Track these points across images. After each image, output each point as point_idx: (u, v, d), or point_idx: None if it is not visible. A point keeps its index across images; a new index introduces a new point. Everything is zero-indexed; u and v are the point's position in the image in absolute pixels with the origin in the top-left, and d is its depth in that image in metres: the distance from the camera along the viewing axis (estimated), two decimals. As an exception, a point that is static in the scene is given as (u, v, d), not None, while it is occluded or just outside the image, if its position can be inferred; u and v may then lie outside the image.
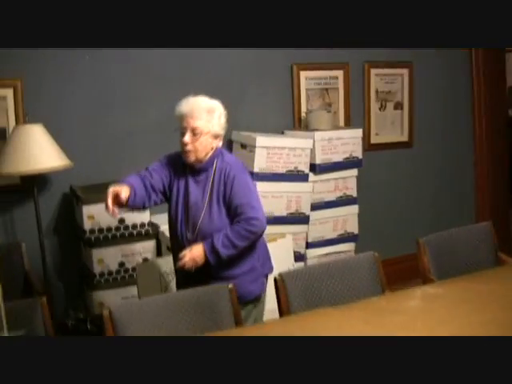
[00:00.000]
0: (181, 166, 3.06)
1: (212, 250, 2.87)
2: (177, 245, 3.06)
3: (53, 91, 4.22)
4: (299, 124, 4.96)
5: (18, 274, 4.00)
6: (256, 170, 4.37)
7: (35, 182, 3.96)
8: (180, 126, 2.96)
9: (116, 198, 2.84)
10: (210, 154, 3.00)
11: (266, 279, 3.18)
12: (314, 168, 4.57)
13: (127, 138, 4.40)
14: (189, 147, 2.93)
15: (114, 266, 4.12)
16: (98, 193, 3.70)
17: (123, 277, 4.16)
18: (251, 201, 2.95)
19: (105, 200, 2.83)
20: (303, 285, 2.82)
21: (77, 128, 4.29)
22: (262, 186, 4.36)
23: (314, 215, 4.63)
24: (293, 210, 4.48)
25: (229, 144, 4.73)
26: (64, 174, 4.05)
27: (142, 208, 3.10)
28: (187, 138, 2.93)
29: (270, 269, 3.23)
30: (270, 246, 4.01)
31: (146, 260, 4.16)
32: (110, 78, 4.40)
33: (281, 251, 4.11)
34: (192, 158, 2.96)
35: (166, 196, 3.10)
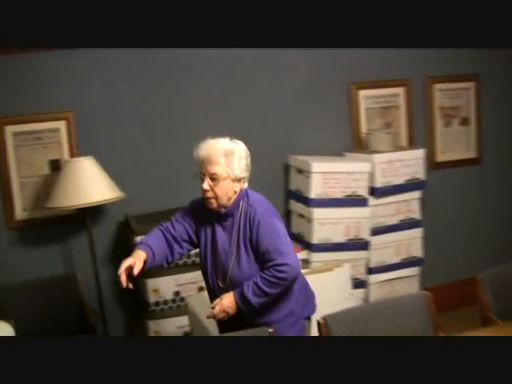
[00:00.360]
0: (207, 211, 2.93)
1: (243, 299, 2.75)
2: (210, 292, 2.96)
3: (104, 122, 4.24)
4: (359, 145, 4.80)
5: (74, 305, 4.02)
6: (313, 195, 4.25)
7: (88, 213, 3.97)
8: (199, 171, 2.85)
9: (130, 270, 2.77)
10: (233, 198, 2.86)
11: (309, 321, 3.05)
12: (373, 192, 4.40)
13: (180, 167, 4.35)
14: (209, 194, 2.81)
15: (169, 296, 4.09)
16: (151, 223, 3.65)
17: (178, 306, 4.12)
18: (279, 246, 2.77)
19: (118, 275, 2.76)
20: (348, 328, 2.66)
21: (129, 158, 4.30)
22: (319, 213, 4.26)
23: (375, 240, 4.46)
24: (352, 236, 4.32)
25: (286, 169, 4.62)
26: (118, 203, 4.04)
27: (167, 264, 2.99)
28: (206, 185, 2.80)
29: (313, 309, 3.09)
30: (326, 276, 3.93)
31: (201, 289, 4.10)
32: (161, 107, 4.38)
33: (337, 281, 3.96)
34: (214, 204, 2.83)
35: (194, 244, 2.99)
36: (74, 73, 4.15)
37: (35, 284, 3.99)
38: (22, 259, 4.14)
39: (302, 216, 4.44)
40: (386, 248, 4.51)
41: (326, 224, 4.26)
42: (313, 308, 3.09)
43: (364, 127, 4.82)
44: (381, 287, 4.52)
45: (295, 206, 4.54)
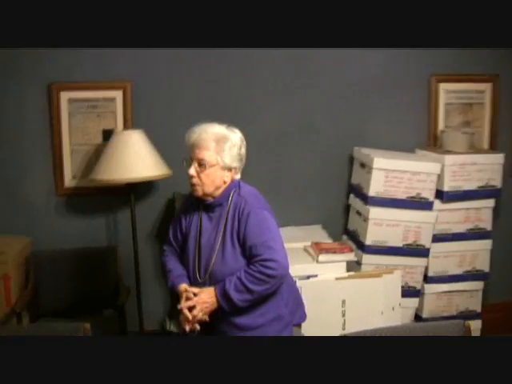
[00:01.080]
0: (195, 202, 2.74)
1: (223, 294, 2.55)
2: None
3: (161, 96, 4.10)
4: (434, 143, 4.42)
5: (110, 279, 3.96)
6: (372, 193, 3.94)
7: (134, 188, 3.86)
8: (189, 156, 2.65)
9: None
10: (222, 188, 2.66)
11: (299, 328, 2.81)
12: (440, 195, 4.04)
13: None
14: (194, 180, 2.62)
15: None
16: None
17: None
18: (267, 241, 2.56)
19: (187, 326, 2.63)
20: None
21: (183, 136, 4.10)
22: (376, 213, 3.96)
23: (437, 247, 4.10)
24: (410, 241, 3.99)
25: (350, 161, 4.33)
26: (168, 180, 3.91)
27: None
28: (192, 170, 2.61)
29: (302, 317, 2.86)
30: (373, 282, 3.64)
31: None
32: (222, 89, 4.18)
33: (385, 289, 3.66)
34: (199, 192, 2.64)
35: None
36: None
37: (76, 253, 3.98)
38: (67, 227, 4.10)
39: (358, 213, 4.15)
40: (448, 257, 4.15)
41: (382, 225, 3.95)
42: (303, 316, 2.86)
43: (441, 124, 4.43)
44: (438, 298, 4.17)
45: (354, 201, 4.25)
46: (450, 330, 2.50)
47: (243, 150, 2.69)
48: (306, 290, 3.48)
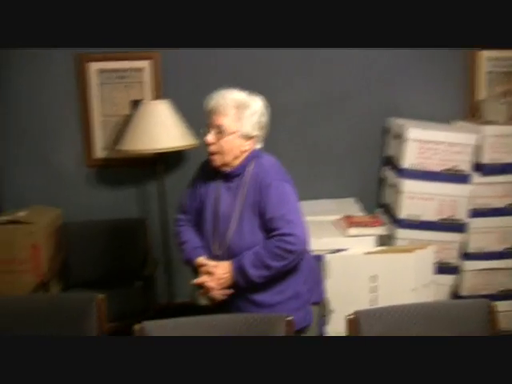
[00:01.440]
0: (212, 170, 2.61)
1: (240, 270, 2.44)
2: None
3: (190, 67, 4.02)
4: (473, 113, 4.22)
5: (139, 251, 3.94)
6: (405, 165, 3.79)
7: (162, 159, 3.82)
8: (207, 123, 2.54)
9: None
10: (241, 158, 2.53)
11: (318, 307, 2.70)
12: (479, 168, 3.86)
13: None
14: (212, 148, 2.50)
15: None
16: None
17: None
18: (288, 214, 2.43)
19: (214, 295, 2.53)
20: (382, 331, 2.29)
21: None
22: (410, 185, 3.81)
23: (476, 223, 3.92)
24: (445, 216, 3.84)
25: (384, 133, 4.19)
26: (199, 151, 3.85)
27: None
28: (210, 136, 2.49)
29: (320, 295, 2.74)
30: (404, 258, 3.52)
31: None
32: (253, 55, 4.05)
33: (417, 264, 3.52)
34: (217, 160, 2.52)
35: None
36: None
37: (105, 224, 3.98)
38: (97, 198, 4.12)
39: (392, 186, 4.01)
40: (487, 233, 3.97)
41: (416, 198, 3.81)
42: (321, 294, 2.74)
43: (480, 94, 4.23)
44: (476, 276, 4.01)
45: (388, 174, 4.11)
46: (474, 310, 2.38)
47: (265, 119, 2.56)
48: (334, 264, 3.40)
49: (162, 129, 3.60)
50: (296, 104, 4.10)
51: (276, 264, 2.41)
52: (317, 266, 2.84)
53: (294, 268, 2.51)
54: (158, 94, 3.97)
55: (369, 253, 3.47)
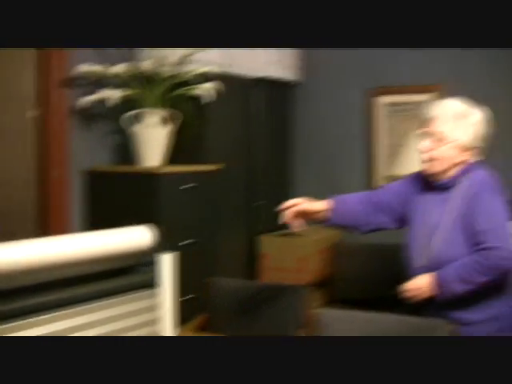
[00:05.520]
0: (424, 182, 2.57)
1: (441, 282, 2.35)
2: (410, 273, 2.57)
3: (475, 97, 3.94)
4: None
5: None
6: None
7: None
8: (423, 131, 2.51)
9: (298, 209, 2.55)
10: (456, 169, 2.45)
11: None
12: None
13: None
14: (426, 156, 2.46)
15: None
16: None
17: None
18: (496, 228, 2.28)
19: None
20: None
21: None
22: None
23: None
24: None
25: None
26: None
27: (364, 229, 2.70)
28: (425, 144, 2.46)
29: None
30: None
31: None
32: None
33: None
34: (429, 169, 2.46)
35: (401, 218, 2.65)
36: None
37: (373, 248, 4.12)
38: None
39: None
40: None
41: None
42: None
43: None
44: None
45: None
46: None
47: (485, 131, 2.50)
48: None
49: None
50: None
51: (478, 279, 2.31)
52: None
53: (499, 287, 2.39)
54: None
55: None
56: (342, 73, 4.44)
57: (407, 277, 2.55)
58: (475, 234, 2.36)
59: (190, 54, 3.68)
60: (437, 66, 4.09)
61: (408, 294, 2.47)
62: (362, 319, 2.45)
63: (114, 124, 3.71)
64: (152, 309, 2.34)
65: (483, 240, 2.31)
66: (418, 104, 4.11)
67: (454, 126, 2.44)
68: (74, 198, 3.56)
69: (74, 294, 2.04)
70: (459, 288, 2.33)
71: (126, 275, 2.35)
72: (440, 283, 2.38)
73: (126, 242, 2.26)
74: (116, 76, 3.44)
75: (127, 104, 3.50)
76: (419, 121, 3.94)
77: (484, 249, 2.30)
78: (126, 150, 3.67)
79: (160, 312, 2.38)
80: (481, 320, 2.39)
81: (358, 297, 4.04)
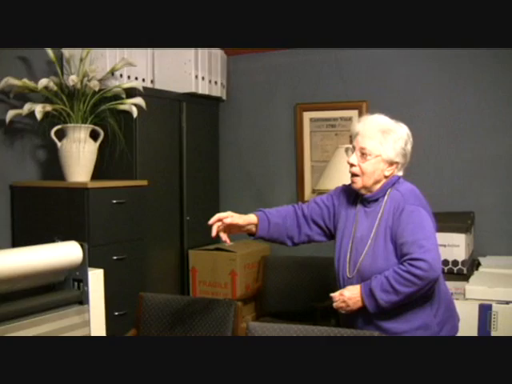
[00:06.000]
0: (352, 195, 2.63)
1: (369, 293, 2.38)
2: (337, 283, 2.62)
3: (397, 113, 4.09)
4: None
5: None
6: None
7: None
8: (352, 145, 2.57)
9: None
10: (382, 182, 2.52)
11: None
12: None
13: (472, 169, 3.97)
14: (355, 169, 2.51)
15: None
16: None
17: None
18: (421, 239, 2.33)
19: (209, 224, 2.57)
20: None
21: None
22: None
23: None
24: None
25: None
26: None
27: (291, 242, 2.71)
28: (353, 158, 2.51)
29: (453, 330, 2.50)
30: None
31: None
32: (457, 102, 4.02)
33: None
34: (358, 182, 2.52)
35: (325, 232, 2.70)
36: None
37: (305, 261, 4.16)
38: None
39: None
40: None
41: None
42: (454, 329, 2.53)
43: None
44: None
45: None
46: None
47: (409, 147, 2.57)
48: (503, 316, 3.12)
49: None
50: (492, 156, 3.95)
51: (405, 289, 2.34)
52: (452, 301, 2.66)
53: (425, 298, 2.44)
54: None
55: (546, 309, 3.09)
56: (269, 88, 4.51)
57: (336, 289, 2.57)
58: (401, 246, 2.40)
59: (118, 69, 3.68)
60: (363, 82, 4.20)
61: (337, 306, 2.49)
62: (292, 332, 2.47)
63: (41, 139, 3.66)
64: (81, 325, 2.31)
65: (408, 252, 2.36)
66: (345, 120, 4.24)
67: (379, 141, 2.50)
68: (1, 214, 3.48)
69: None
70: (386, 299, 2.36)
71: (55, 292, 2.32)
72: (367, 294, 2.41)
73: (54, 258, 2.23)
74: (42, 90, 3.39)
75: (54, 118, 3.46)
76: (346, 136, 4.16)
77: (406, 260, 2.34)
78: (53, 165, 3.61)
79: (89, 328, 2.35)
80: (409, 329, 2.44)
81: (289, 310, 4.10)
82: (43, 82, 3.37)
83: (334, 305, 2.49)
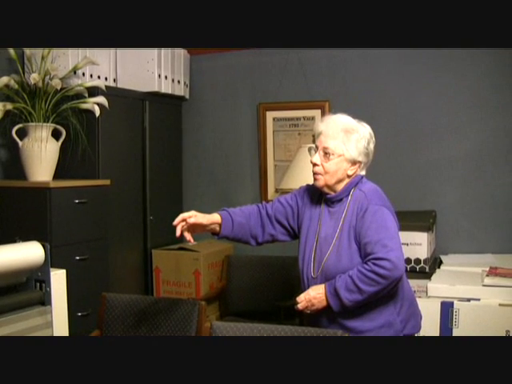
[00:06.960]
0: (316, 195, 2.65)
1: (333, 292, 2.41)
2: (302, 283, 2.63)
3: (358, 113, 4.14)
4: None
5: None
6: None
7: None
8: (315, 145, 2.58)
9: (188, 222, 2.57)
10: (345, 182, 2.54)
11: None
12: None
13: (432, 169, 4.02)
14: (317, 169, 2.53)
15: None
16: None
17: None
18: (384, 239, 2.36)
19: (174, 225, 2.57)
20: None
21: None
22: None
23: None
24: None
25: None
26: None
27: (255, 242, 2.72)
28: (316, 157, 2.53)
29: (416, 328, 2.54)
30: None
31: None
32: (416, 103, 4.09)
33: None
34: (321, 182, 2.53)
35: (289, 231, 2.72)
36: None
37: (267, 260, 4.19)
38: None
39: None
40: None
41: None
42: (416, 326, 2.56)
43: None
44: None
45: None
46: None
47: (371, 146, 2.59)
48: (464, 313, 3.17)
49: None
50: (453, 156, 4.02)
51: (369, 288, 2.37)
52: (415, 299, 2.70)
53: (388, 296, 2.46)
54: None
55: (504, 305, 3.15)
56: (232, 88, 4.52)
57: (301, 288, 2.60)
58: (365, 246, 2.43)
59: (80, 67, 3.65)
60: (325, 82, 4.23)
61: (301, 305, 2.50)
62: (256, 331, 2.48)
63: (1, 138, 3.61)
64: (44, 327, 2.29)
65: (372, 251, 2.38)
66: (308, 119, 4.27)
67: (342, 141, 2.51)
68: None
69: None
70: (350, 298, 2.38)
71: (16, 293, 2.29)
72: (331, 294, 2.43)
73: (15, 258, 2.20)
74: (3, 88, 3.34)
75: (15, 117, 3.42)
76: (309, 135, 4.19)
77: (370, 259, 2.37)
78: (15, 164, 3.56)
79: (52, 330, 2.33)
80: (372, 328, 2.46)
81: (253, 309, 4.11)
82: (4, 80, 3.32)
83: (300, 306, 2.49)
